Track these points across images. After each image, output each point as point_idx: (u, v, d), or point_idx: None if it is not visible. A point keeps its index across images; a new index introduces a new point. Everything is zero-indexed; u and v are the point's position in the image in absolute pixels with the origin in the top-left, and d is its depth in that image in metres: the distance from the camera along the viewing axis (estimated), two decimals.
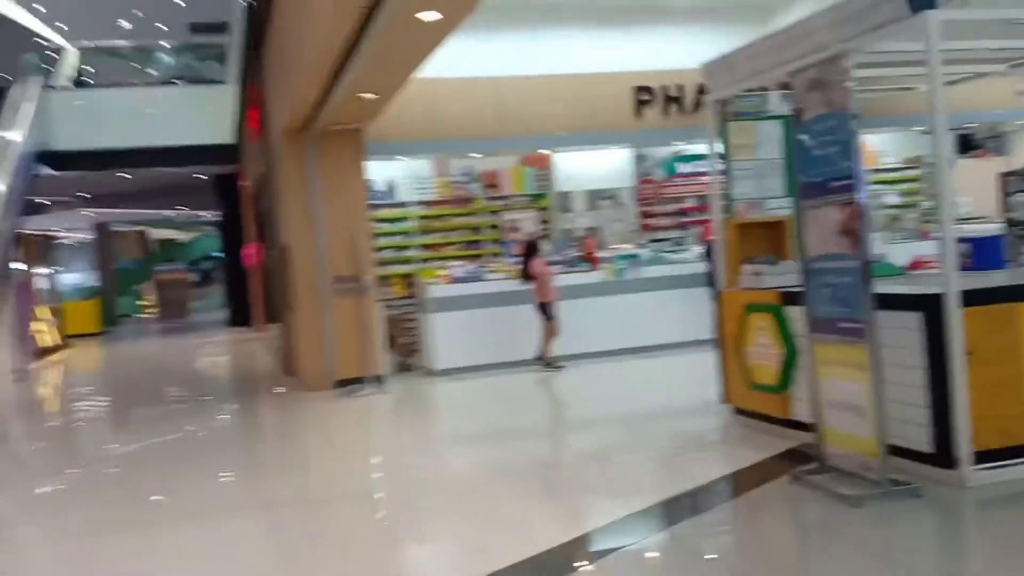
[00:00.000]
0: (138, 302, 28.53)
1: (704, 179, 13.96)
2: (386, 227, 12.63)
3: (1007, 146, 14.91)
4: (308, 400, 10.14)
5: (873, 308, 4.84)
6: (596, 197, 13.21)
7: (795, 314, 5.95)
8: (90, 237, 27.87)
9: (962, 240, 5.69)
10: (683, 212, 14.04)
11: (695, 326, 10.62)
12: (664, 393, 8.92)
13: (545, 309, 10.58)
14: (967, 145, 15.01)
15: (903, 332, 5.08)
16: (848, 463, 5.04)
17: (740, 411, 6.90)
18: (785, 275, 6.37)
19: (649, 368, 10.52)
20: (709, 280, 11.02)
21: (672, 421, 7.64)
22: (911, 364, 5.03)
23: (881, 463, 4.82)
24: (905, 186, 15.20)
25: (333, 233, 10.49)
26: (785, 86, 6.19)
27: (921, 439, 5.04)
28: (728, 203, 7.05)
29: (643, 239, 13.29)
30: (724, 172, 7.11)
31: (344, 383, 10.34)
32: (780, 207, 7.14)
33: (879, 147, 15.05)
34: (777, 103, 7.59)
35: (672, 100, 12.28)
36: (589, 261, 11.55)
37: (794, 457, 5.80)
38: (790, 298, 6.06)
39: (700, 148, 13.64)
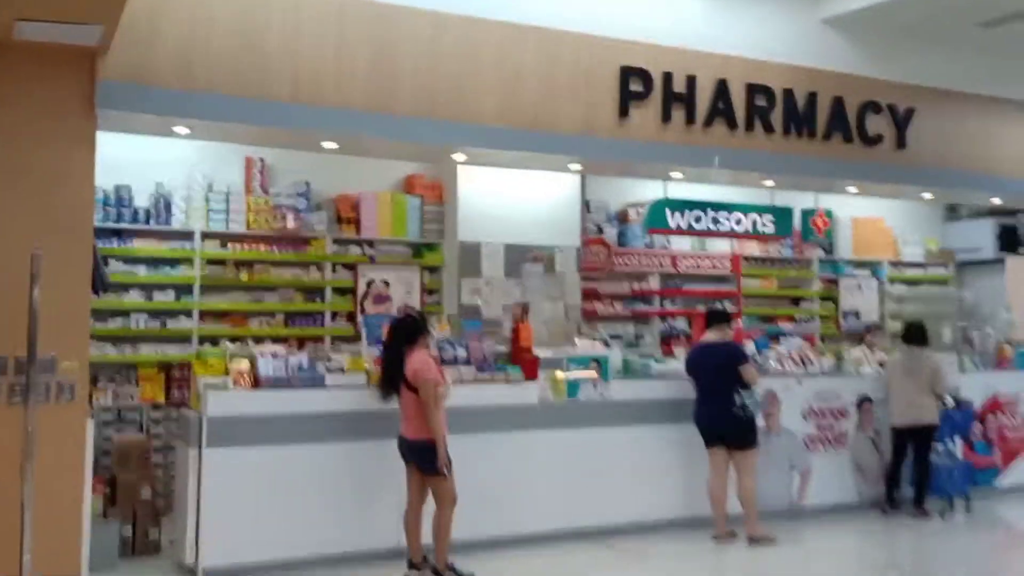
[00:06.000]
0: None
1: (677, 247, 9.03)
2: (142, 273, 6.86)
3: None
4: None
5: None
6: (520, 257, 7.89)
7: None
8: None
9: None
10: (641, 296, 8.99)
11: (697, 493, 6.30)
12: None
13: (427, 457, 5.02)
14: (1015, 239, 10.82)
15: None
16: None
17: None
18: None
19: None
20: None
21: None
22: None
23: None
24: (926, 289, 10.82)
25: None
26: None
27: None
28: None
29: (591, 331, 8.07)
30: None
31: None
32: None
33: (899, 229, 10.65)
34: None
35: (677, 99, 7.07)
36: (523, 365, 6.18)
37: None
38: None
39: (703, 190, 8.52)
